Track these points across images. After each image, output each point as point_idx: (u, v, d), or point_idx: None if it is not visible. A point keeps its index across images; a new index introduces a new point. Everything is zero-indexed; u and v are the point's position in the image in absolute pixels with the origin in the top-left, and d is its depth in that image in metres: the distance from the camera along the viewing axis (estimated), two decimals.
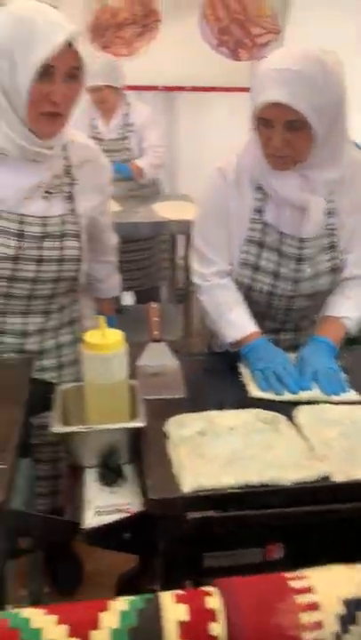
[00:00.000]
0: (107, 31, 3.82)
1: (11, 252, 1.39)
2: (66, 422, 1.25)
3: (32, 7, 1.24)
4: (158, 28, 3.84)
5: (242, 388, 1.44)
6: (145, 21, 3.83)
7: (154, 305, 1.60)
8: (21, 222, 1.38)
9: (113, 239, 1.79)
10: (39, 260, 1.43)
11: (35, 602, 1.63)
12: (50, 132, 1.31)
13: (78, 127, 3.36)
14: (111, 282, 1.85)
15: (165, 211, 3.13)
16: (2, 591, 1.05)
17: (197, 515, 1.01)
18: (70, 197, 1.46)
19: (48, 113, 1.27)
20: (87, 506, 1.13)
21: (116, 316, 1.88)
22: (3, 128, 1.28)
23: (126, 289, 3.61)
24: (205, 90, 4.01)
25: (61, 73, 1.24)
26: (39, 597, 1.63)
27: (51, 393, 1.33)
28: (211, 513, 1.04)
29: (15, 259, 1.40)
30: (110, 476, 1.18)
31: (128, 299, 3.82)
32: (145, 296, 3.59)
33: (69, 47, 1.22)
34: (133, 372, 1.38)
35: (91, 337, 1.23)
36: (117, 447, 1.21)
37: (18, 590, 1.53)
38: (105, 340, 1.23)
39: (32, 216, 1.39)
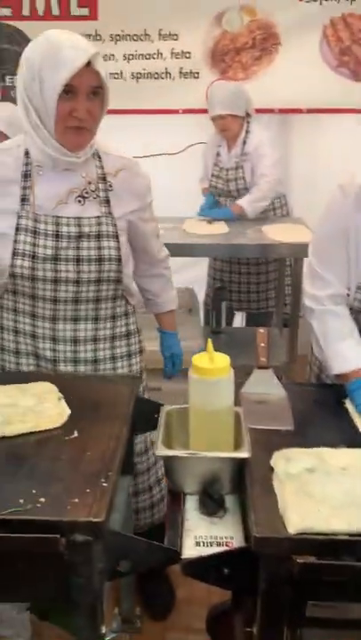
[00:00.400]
0: (226, 56, 3.87)
1: (49, 252, 1.50)
2: (168, 445, 1.23)
3: (60, 34, 1.40)
4: (278, 51, 3.83)
5: (352, 424, 1.35)
6: (264, 45, 3.83)
7: (262, 330, 1.55)
8: (57, 224, 1.50)
9: (162, 252, 1.81)
10: (77, 260, 1.52)
11: (126, 622, 1.62)
12: (77, 144, 1.45)
13: (207, 156, 3.51)
14: (166, 296, 1.87)
15: (275, 233, 3.07)
16: (99, 612, 1.04)
17: (305, 559, 0.94)
18: (106, 201, 1.55)
19: (74, 127, 1.42)
20: (186, 534, 1.10)
21: (220, 336, 1.86)
22: (38, 143, 1.44)
23: (237, 309, 3.60)
24: (323, 112, 3.92)
25: (83, 91, 1.38)
26: (131, 619, 1.62)
27: (156, 413, 1.33)
28: (317, 559, 0.96)
29: (55, 259, 1.50)
30: (211, 505, 1.14)
31: (238, 320, 3.79)
32: (256, 319, 3.56)
33: (90, 68, 1.37)
34: (238, 399, 1.35)
35: (198, 360, 1.21)
36: (220, 476, 1.17)
37: (110, 610, 1.53)
38: (212, 364, 1.20)
39: (66, 217, 1.51)
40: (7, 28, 3.89)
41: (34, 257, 1.49)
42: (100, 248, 1.52)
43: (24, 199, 1.50)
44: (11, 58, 3.94)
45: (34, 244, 1.49)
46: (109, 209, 1.55)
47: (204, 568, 1.05)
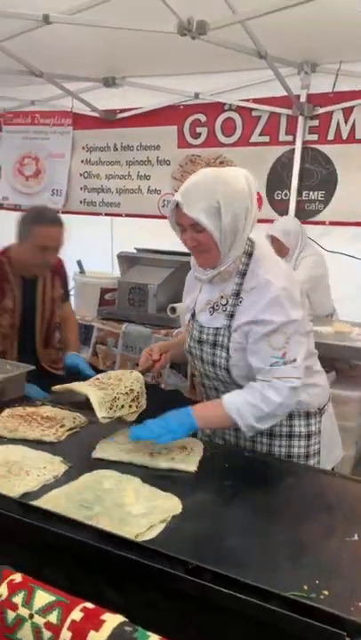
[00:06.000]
0: None
1: (188, 348, 1.84)
2: None
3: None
4: None
5: None
6: None
7: None
8: (192, 327, 1.81)
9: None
10: (201, 360, 1.80)
11: None
12: (201, 264, 1.73)
13: None
14: None
15: None
16: None
17: None
18: (231, 315, 1.69)
19: (194, 252, 1.71)
20: None
21: None
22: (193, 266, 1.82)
23: None
24: None
25: (184, 228, 1.65)
26: None
27: None
28: None
29: (189, 353, 1.85)
30: None
31: None
32: None
33: (181, 211, 1.61)
34: None
35: None
36: None
37: None
38: None
39: (198, 323, 1.79)
40: (312, 151, 4.36)
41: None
42: (214, 354, 1.75)
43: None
44: (310, 176, 4.39)
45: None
46: (230, 322, 1.69)
47: None
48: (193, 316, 1.83)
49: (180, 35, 2.96)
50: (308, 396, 1.77)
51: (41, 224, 2.37)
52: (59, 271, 2.66)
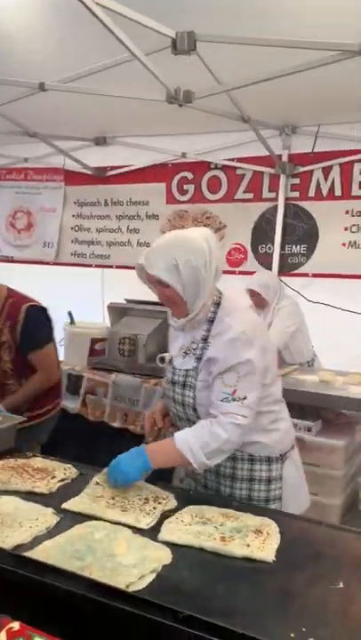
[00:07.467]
0: None
1: (164, 390, 2.01)
2: None
3: None
4: None
5: None
6: None
7: None
8: (169, 370, 1.97)
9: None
10: (173, 400, 1.92)
11: None
12: (173, 314, 1.90)
13: None
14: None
15: None
16: None
17: None
18: (199, 358, 1.83)
19: (165, 304, 1.90)
20: None
21: None
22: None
23: None
24: None
25: (154, 285, 1.84)
26: None
27: None
28: None
29: (165, 394, 1.99)
30: None
31: None
32: None
33: (146, 272, 1.81)
34: None
35: None
36: None
37: None
38: None
39: (172, 366, 1.94)
40: (294, 207, 4.56)
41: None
42: (183, 395, 1.87)
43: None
44: (293, 231, 4.57)
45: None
46: (199, 364, 1.82)
47: None
48: (170, 361, 1.99)
49: (168, 103, 3.16)
50: (269, 440, 1.89)
51: None
52: (12, 317, 2.68)
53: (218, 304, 1.86)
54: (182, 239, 1.81)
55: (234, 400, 1.73)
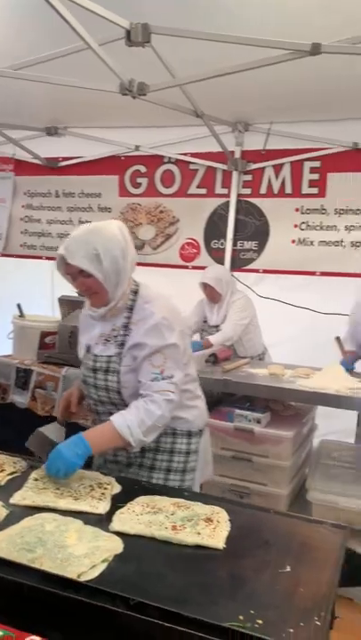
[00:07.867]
0: None
1: (84, 378, 2.03)
2: None
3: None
4: None
5: None
6: None
7: None
8: (87, 358, 2.00)
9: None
10: (95, 386, 1.99)
11: None
12: (93, 304, 1.95)
13: (197, 313, 4.08)
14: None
15: None
16: None
17: None
18: (122, 344, 1.91)
19: (86, 295, 1.95)
20: None
21: None
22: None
23: None
24: None
25: (74, 276, 1.88)
26: None
27: None
28: None
29: (84, 382, 2.03)
30: None
31: None
32: None
33: (67, 261, 1.84)
34: None
35: None
36: None
37: None
38: None
39: (92, 354, 1.97)
40: (245, 203, 4.63)
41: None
42: (106, 380, 1.95)
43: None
44: (245, 227, 4.64)
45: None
46: (121, 350, 1.90)
47: None
48: (88, 349, 2.02)
49: (121, 94, 3.14)
50: (190, 416, 2.05)
51: None
52: None
53: (135, 292, 1.96)
54: (100, 229, 1.89)
55: (163, 379, 1.86)
